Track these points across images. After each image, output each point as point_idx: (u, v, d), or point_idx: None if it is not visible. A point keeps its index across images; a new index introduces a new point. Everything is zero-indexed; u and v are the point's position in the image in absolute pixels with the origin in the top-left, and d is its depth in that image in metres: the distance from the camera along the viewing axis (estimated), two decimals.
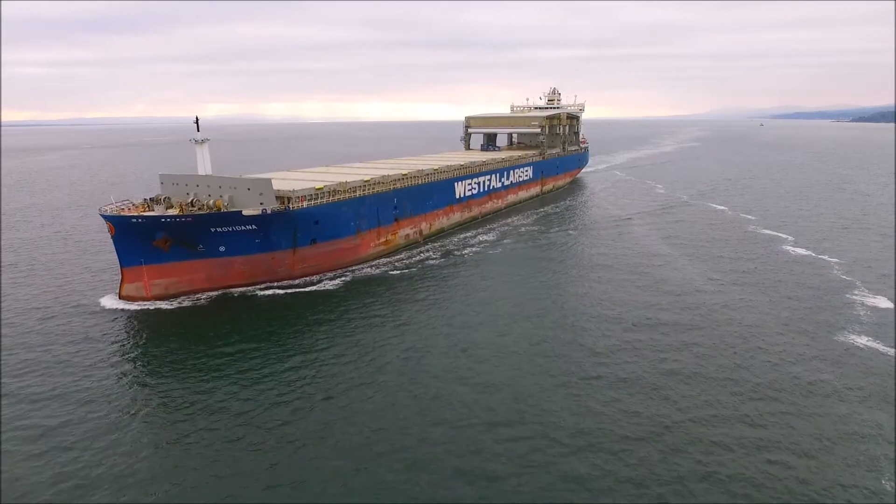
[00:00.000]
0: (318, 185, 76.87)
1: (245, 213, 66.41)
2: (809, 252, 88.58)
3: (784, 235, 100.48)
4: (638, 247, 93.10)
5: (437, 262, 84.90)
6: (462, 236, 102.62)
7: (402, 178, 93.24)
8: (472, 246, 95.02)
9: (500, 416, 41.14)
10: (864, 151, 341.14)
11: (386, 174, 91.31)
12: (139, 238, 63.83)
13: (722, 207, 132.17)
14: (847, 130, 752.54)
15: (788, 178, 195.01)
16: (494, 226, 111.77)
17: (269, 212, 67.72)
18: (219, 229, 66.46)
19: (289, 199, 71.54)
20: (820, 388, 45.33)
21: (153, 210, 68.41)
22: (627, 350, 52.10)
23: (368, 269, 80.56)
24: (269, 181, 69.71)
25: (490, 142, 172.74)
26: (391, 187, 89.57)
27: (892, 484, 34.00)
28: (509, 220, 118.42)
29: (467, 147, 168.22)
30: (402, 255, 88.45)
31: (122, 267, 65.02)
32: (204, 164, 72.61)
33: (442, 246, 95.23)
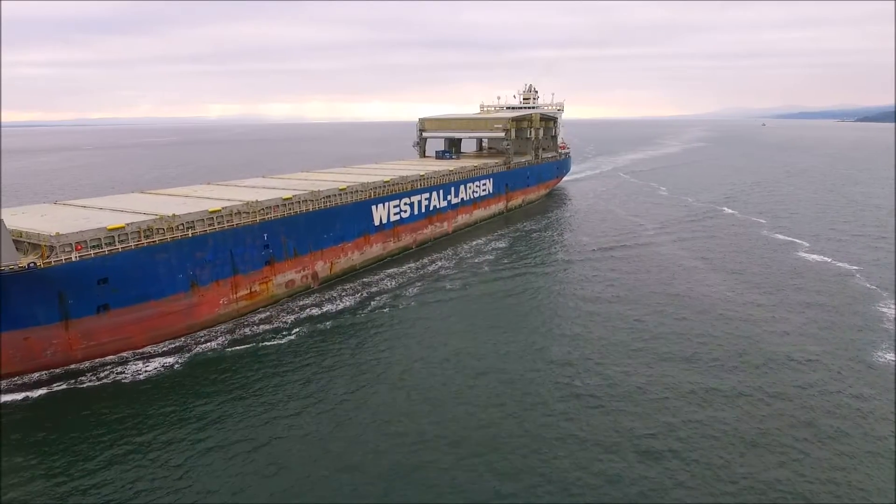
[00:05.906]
0: (116, 223, 51.69)
1: None
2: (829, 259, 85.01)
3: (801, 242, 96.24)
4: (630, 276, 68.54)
5: (335, 319, 60.58)
6: (383, 274, 78.09)
7: (283, 205, 68.12)
8: (395, 288, 70.64)
9: None
10: (870, 152, 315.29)
11: (255, 199, 65.94)
12: None
13: (731, 211, 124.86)
14: (850, 132, 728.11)
15: (782, 180, 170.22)
16: (431, 257, 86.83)
17: None
18: None
19: (51, 247, 46.68)
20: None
21: None
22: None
23: (211, 338, 55.78)
24: None
25: (452, 148, 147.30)
26: (258, 219, 64.36)
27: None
28: (457, 247, 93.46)
29: (422, 154, 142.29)
30: (271, 312, 63.50)
31: None
32: None
33: (345, 292, 70.54)
